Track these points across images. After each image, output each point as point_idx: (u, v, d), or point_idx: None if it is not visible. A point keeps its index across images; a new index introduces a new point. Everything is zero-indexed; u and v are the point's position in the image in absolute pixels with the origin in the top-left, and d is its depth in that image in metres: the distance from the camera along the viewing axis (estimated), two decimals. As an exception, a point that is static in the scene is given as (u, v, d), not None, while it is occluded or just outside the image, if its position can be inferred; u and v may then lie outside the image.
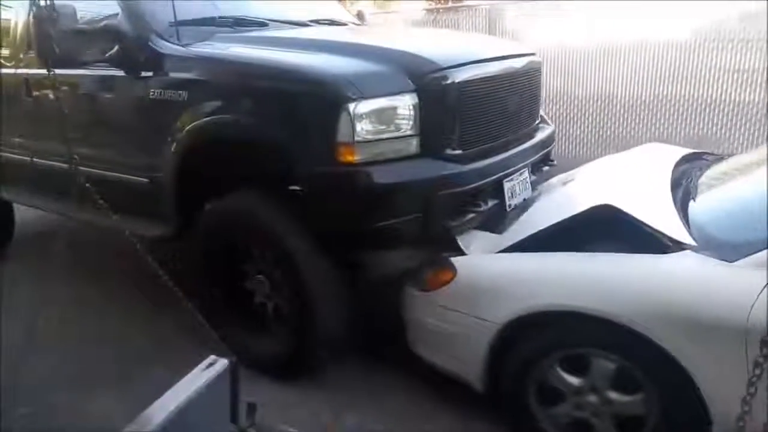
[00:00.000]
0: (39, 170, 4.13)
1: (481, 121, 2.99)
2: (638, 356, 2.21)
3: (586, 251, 2.45)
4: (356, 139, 2.60)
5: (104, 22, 3.31)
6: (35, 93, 4.02)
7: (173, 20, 3.14)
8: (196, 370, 2.01)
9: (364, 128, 2.61)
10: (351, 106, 2.57)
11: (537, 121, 3.73)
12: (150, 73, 3.22)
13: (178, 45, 3.18)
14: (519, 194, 3.24)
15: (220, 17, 3.47)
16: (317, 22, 3.97)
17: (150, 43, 3.22)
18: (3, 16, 4.31)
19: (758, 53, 5.84)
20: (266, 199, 3.00)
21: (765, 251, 2.04)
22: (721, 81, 6.12)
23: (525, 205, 3.24)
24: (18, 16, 4.21)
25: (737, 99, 6.05)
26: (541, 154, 3.60)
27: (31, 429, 2.83)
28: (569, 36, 6.98)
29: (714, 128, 6.23)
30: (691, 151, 3.65)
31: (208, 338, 2.25)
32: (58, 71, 3.11)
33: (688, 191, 2.78)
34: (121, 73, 3.34)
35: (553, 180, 3.68)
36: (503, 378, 2.56)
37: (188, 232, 3.30)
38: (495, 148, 3.10)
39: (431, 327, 2.78)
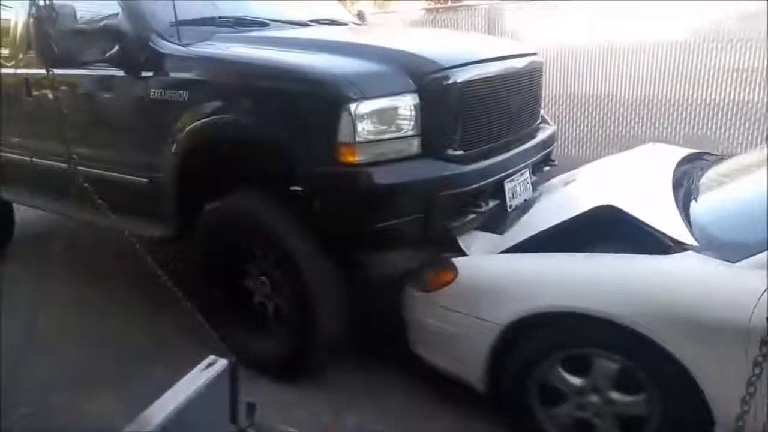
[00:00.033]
0: (39, 170, 4.12)
1: (483, 121, 2.98)
2: (640, 357, 2.21)
3: (588, 252, 2.45)
4: (357, 139, 2.59)
5: (104, 22, 3.30)
6: (35, 93, 4.01)
7: (174, 20, 3.14)
8: (195, 370, 2.02)
9: (365, 128, 2.60)
10: (352, 107, 2.56)
11: (538, 122, 3.73)
12: (150, 73, 3.22)
13: (178, 45, 3.17)
14: (520, 195, 3.24)
15: (220, 17, 3.46)
16: (318, 22, 3.97)
17: (150, 43, 3.21)
18: (3, 16, 4.30)
19: (757, 53, 5.84)
20: (267, 200, 3.00)
21: (767, 252, 2.04)
22: (720, 81, 6.12)
23: (526, 206, 3.24)
24: (18, 16, 4.20)
25: (736, 98, 6.05)
26: (542, 154, 3.60)
27: (31, 429, 2.82)
28: (569, 36, 6.97)
29: (713, 128, 6.24)
30: (692, 151, 3.65)
31: (207, 338, 2.24)
32: (58, 71, 3.13)
33: (690, 192, 2.78)
34: (121, 73, 3.34)
35: (554, 180, 3.68)
36: (505, 379, 2.55)
37: (188, 232, 3.29)
38: (496, 149, 3.10)
39: (432, 328, 2.78)
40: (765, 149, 3.30)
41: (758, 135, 5.96)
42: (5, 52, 4.28)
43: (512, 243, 2.75)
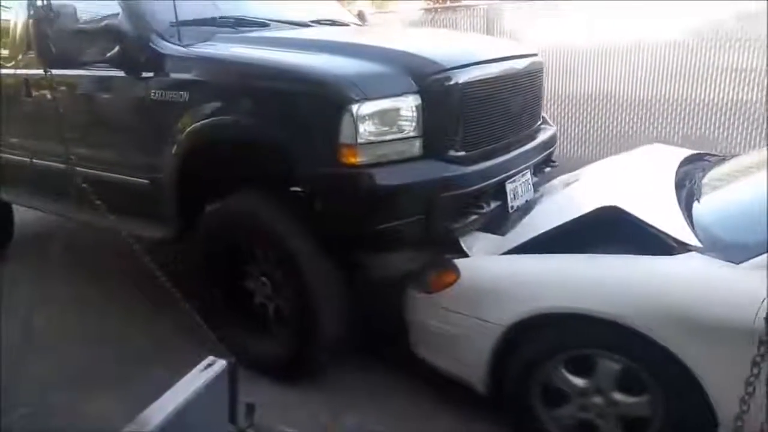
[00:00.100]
0: (39, 171, 4.11)
1: (484, 122, 2.98)
2: (644, 358, 2.21)
3: (592, 253, 2.45)
4: (359, 140, 2.59)
5: (105, 22, 3.29)
6: (35, 94, 4.00)
7: (174, 20, 3.12)
8: (194, 371, 2.02)
9: (366, 129, 2.60)
10: (354, 108, 2.55)
11: (539, 122, 3.73)
12: (151, 74, 3.21)
13: (179, 45, 3.16)
14: (521, 196, 3.24)
15: (221, 17, 3.46)
16: (318, 22, 3.96)
17: (151, 44, 3.20)
18: (3, 17, 4.28)
19: (755, 52, 5.84)
20: (268, 201, 3.00)
21: (771, 253, 2.04)
22: (718, 81, 6.11)
23: (527, 207, 3.24)
24: (18, 17, 4.19)
25: (735, 99, 6.05)
26: (543, 155, 3.60)
27: (31, 429, 2.82)
28: (568, 36, 6.97)
29: (712, 128, 6.23)
30: (694, 151, 3.65)
31: (206, 339, 2.25)
32: (58, 72, 3.13)
33: (692, 192, 2.78)
34: (121, 73, 3.33)
35: (555, 181, 3.68)
36: (507, 380, 2.55)
37: (188, 233, 3.29)
38: (498, 150, 3.09)
39: (434, 329, 2.77)
40: (766, 150, 3.30)
41: (757, 135, 5.96)
42: (5, 52, 4.27)
43: (514, 244, 2.74)
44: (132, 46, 3.24)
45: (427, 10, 9.54)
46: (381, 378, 3.16)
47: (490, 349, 2.53)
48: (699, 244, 2.28)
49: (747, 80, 5.95)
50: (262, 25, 3.57)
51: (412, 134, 2.71)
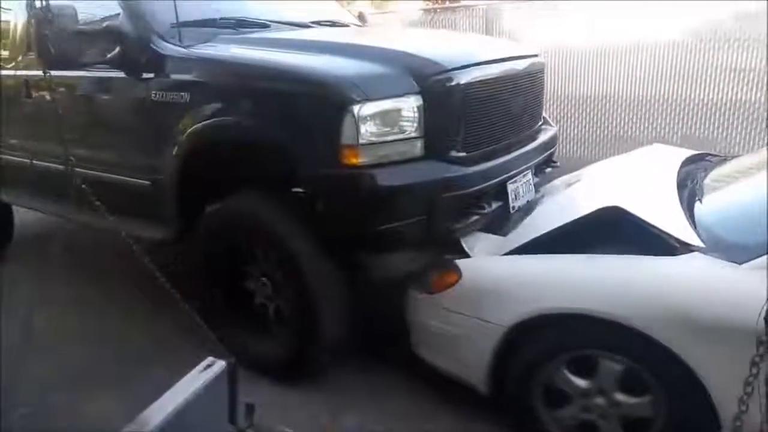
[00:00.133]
0: (39, 172, 4.10)
1: (486, 122, 2.98)
2: (646, 358, 2.21)
3: (594, 253, 2.45)
4: (360, 141, 2.58)
5: (105, 23, 3.29)
6: (35, 95, 3.99)
7: (175, 21, 3.12)
8: (194, 372, 2.02)
9: (368, 130, 2.59)
10: (355, 108, 2.55)
11: (540, 123, 3.73)
12: (151, 75, 3.20)
13: (179, 46, 3.16)
14: (522, 196, 3.24)
15: (221, 18, 3.45)
16: (319, 23, 3.95)
17: (151, 45, 3.20)
18: (3, 18, 4.28)
19: (754, 53, 5.85)
20: (269, 202, 2.99)
21: (773, 253, 2.04)
22: (718, 81, 6.12)
23: (529, 207, 3.24)
24: (18, 18, 4.18)
25: (734, 99, 6.06)
26: (544, 155, 3.60)
27: (31, 429, 2.82)
28: (567, 36, 6.97)
29: (711, 128, 6.24)
30: (695, 152, 3.65)
31: (206, 339, 2.24)
32: (59, 73, 3.12)
33: (694, 193, 2.78)
34: (122, 74, 3.32)
35: (556, 182, 3.68)
36: (508, 381, 2.55)
37: (189, 234, 3.28)
38: (499, 150, 3.09)
39: (435, 330, 2.77)
40: (766, 150, 3.30)
41: (756, 135, 5.97)
42: (5, 53, 4.27)
43: (516, 245, 2.74)
44: (132, 47, 3.23)
45: (426, 11, 9.55)
46: (381, 378, 3.15)
47: (492, 349, 2.53)
48: (701, 245, 2.28)
49: (746, 80, 5.96)
50: (263, 26, 3.57)
51: (413, 135, 2.71)
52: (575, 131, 7.05)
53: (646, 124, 6.61)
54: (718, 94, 6.14)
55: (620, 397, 2.31)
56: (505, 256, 2.71)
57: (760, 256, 2.07)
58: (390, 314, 3.01)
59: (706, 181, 2.92)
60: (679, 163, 3.23)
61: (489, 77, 2.99)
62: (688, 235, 2.35)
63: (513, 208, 3.15)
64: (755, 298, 1.95)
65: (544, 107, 3.88)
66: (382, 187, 2.63)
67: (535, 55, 3.60)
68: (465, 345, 2.67)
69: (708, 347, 2.06)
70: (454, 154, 2.83)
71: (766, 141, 5.75)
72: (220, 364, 2.06)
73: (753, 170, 3.05)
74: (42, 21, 2.72)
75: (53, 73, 2.43)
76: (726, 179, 3.06)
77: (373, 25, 5.94)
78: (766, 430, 1.73)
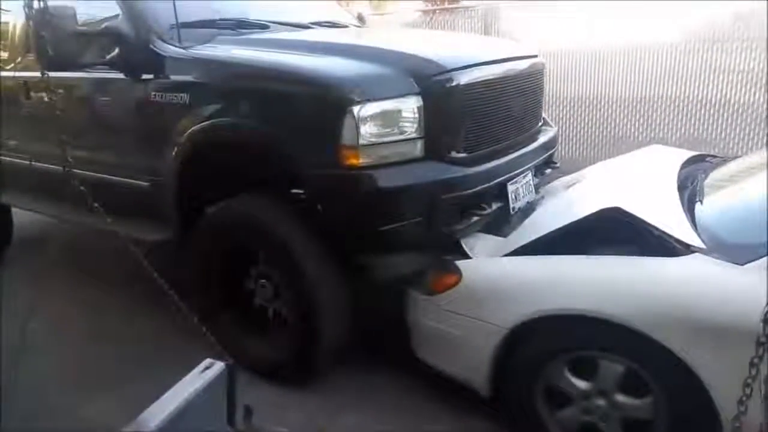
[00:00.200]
0: (38, 174, 4.09)
1: (486, 123, 2.98)
2: (648, 360, 2.20)
3: (595, 254, 2.44)
4: (360, 142, 2.58)
5: (104, 24, 3.28)
6: (34, 96, 3.98)
7: (174, 22, 3.11)
8: (193, 373, 2.02)
9: (368, 131, 2.59)
10: (355, 109, 2.55)
11: (540, 123, 3.73)
12: (151, 76, 3.20)
13: (179, 47, 3.15)
14: (523, 197, 3.24)
15: (221, 19, 3.45)
16: (319, 24, 3.95)
17: (151, 46, 3.19)
18: (3, 19, 4.27)
19: (753, 54, 5.86)
20: (268, 203, 2.99)
21: (775, 254, 2.04)
22: (717, 81, 6.13)
23: (529, 208, 3.24)
24: (17, 19, 4.17)
25: (732, 100, 6.07)
26: (544, 156, 3.60)
27: (31, 429, 2.81)
28: (565, 37, 6.98)
29: (710, 129, 6.25)
30: (695, 153, 3.64)
31: (205, 341, 2.23)
32: (58, 74, 3.11)
33: (695, 193, 2.77)
34: (121, 75, 3.31)
35: (556, 183, 3.68)
36: (510, 382, 2.55)
37: (188, 235, 3.28)
38: (499, 151, 3.09)
39: (435, 331, 2.77)
40: (766, 151, 3.30)
41: (755, 136, 5.98)
42: (4, 55, 4.26)
43: (516, 246, 2.73)
44: (132, 48, 3.22)
45: (425, 12, 9.56)
46: (381, 378, 3.15)
47: (492, 350, 2.52)
48: (702, 246, 2.27)
49: (744, 81, 5.97)
50: (263, 27, 3.56)
51: (413, 136, 2.70)
52: (575, 132, 7.05)
53: (645, 125, 6.61)
54: (717, 95, 6.15)
55: (621, 398, 2.31)
56: (506, 257, 2.70)
57: (762, 256, 2.06)
58: (390, 315, 3.00)
59: (707, 182, 2.92)
60: (680, 164, 3.23)
61: (489, 78, 2.99)
62: (688, 235, 2.34)
63: (513, 209, 3.15)
64: (757, 299, 1.94)
65: (544, 108, 3.88)
66: (382, 188, 2.62)
67: (535, 56, 3.60)
68: (465, 346, 2.66)
69: (709, 348, 2.05)
70: (454, 154, 2.82)
71: (765, 141, 5.76)
72: (219, 366, 2.06)
73: (753, 171, 3.05)
74: (41, 22, 2.71)
75: (53, 74, 2.42)
76: (726, 180, 3.06)
77: (373, 26, 5.94)
78: (766, 431, 1.72)
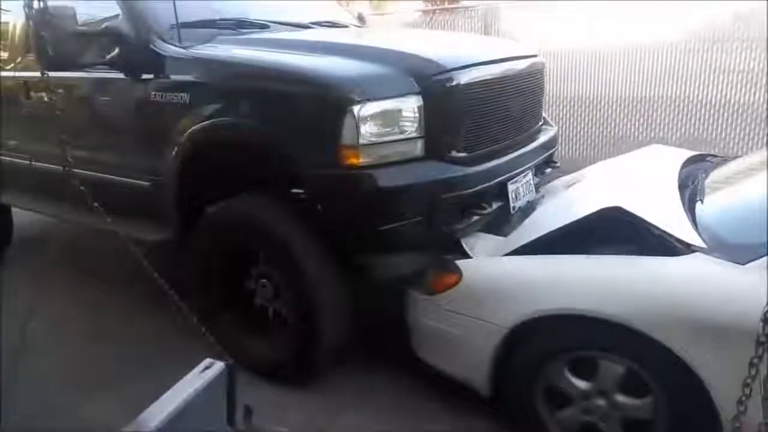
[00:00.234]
0: (38, 174, 4.09)
1: (486, 123, 2.98)
2: (648, 360, 2.20)
3: (596, 254, 2.44)
4: (361, 141, 2.58)
5: (104, 24, 3.28)
6: (34, 96, 3.98)
7: (174, 22, 3.11)
8: (193, 373, 2.02)
9: (368, 131, 2.59)
10: (355, 109, 2.55)
11: (540, 123, 3.72)
12: (151, 76, 3.19)
13: (179, 47, 3.15)
14: (523, 197, 3.24)
15: (221, 19, 3.45)
16: (319, 24, 3.95)
17: (151, 45, 3.19)
18: (3, 19, 4.27)
19: (752, 54, 5.86)
20: (268, 203, 2.99)
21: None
22: (717, 81, 6.13)
23: (529, 208, 3.24)
24: (17, 19, 4.17)
25: (732, 100, 6.07)
26: (544, 156, 3.60)
27: (30, 429, 2.81)
28: (565, 37, 6.98)
29: (710, 129, 6.25)
30: (695, 152, 3.64)
31: (205, 341, 2.24)
32: (58, 74, 3.11)
33: (696, 193, 2.77)
34: (121, 75, 3.31)
35: (556, 182, 3.68)
36: (510, 382, 2.54)
37: (189, 235, 3.27)
38: (499, 151, 3.09)
39: (436, 331, 2.76)
40: (766, 150, 3.30)
41: (755, 136, 5.99)
42: (4, 55, 4.26)
43: (516, 245, 2.72)
44: (132, 48, 3.21)
45: (425, 12, 9.56)
46: (381, 378, 3.15)
47: (492, 350, 2.52)
48: (703, 245, 2.27)
49: (744, 81, 5.97)
50: (263, 26, 3.56)
51: (413, 135, 2.70)
52: (575, 132, 7.05)
53: (646, 125, 6.61)
54: (717, 95, 6.15)
55: (621, 398, 2.30)
56: (506, 257, 2.69)
57: (762, 256, 2.06)
58: (390, 315, 3.00)
59: (707, 181, 2.92)
60: (680, 164, 3.22)
61: (489, 77, 2.99)
62: (689, 235, 2.34)
63: (513, 208, 3.15)
64: (758, 299, 1.94)
65: (544, 108, 3.88)
66: (382, 188, 2.62)
67: (535, 56, 3.60)
68: (465, 346, 2.66)
69: (710, 348, 2.05)
70: (454, 154, 2.82)
71: (766, 141, 5.76)
72: (218, 366, 2.06)
73: (754, 171, 3.05)
74: (41, 22, 2.71)
75: (52, 74, 2.41)
76: (727, 180, 3.05)
77: (373, 26, 5.94)
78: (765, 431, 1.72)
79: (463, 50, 3.32)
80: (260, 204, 3.02)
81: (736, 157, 3.69)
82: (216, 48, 3.17)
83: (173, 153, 3.10)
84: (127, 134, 3.48)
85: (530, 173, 3.38)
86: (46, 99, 3.56)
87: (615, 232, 2.49)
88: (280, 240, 2.87)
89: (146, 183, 3.37)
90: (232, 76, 3.01)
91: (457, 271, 2.70)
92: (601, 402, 2.35)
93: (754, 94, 5.90)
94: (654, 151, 3.90)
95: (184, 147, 3.05)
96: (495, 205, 3.03)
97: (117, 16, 3.30)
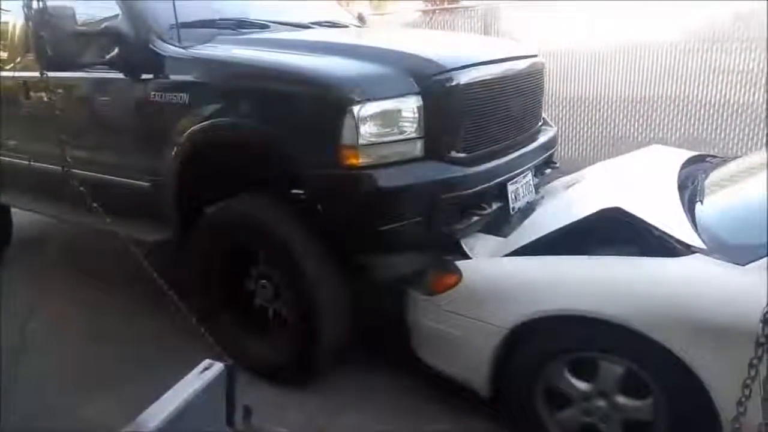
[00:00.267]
0: (37, 174, 4.09)
1: (486, 123, 2.97)
2: (648, 361, 2.20)
3: (595, 255, 2.43)
4: (360, 141, 2.58)
5: (104, 24, 3.28)
6: (33, 96, 3.98)
7: (174, 22, 3.11)
8: (193, 373, 2.03)
9: (368, 131, 2.59)
10: (355, 109, 2.55)
11: (540, 123, 3.72)
12: (150, 76, 3.19)
13: (179, 47, 3.15)
14: (523, 197, 3.24)
15: (221, 19, 3.44)
16: (319, 24, 3.95)
17: (151, 45, 3.19)
18: (2, 19, 4.27)
19: (752, 54, 5.86)
20: (269, 203, 2.99)
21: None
22: (717, 82, 6.13)
23: (529, 209, 3.23)
24: (17, 19, 4.16)
25: (732, 100, 6.07)
26: (544, 156, 3.59)
27: (30, 429, 2.81)
28: (565, 37, 6.97)
29: (710, 129, 6.25)
30: (695, 153, 3.64)
31: (205, 342, 2.24)
32: (57, 74, 3.10)
33: (695, 194, 2.77)
34: (121, 75, 3.30)
35: (556, 183, 3.67)
36: (510, 383, 2.54)
37: (188, 235, 3.27)
38: (499, 151, 3.09)
39: (436, 331, 2.76)
40: (766, 151, 3.30)
41: (755, 136, 5.98)
42: (4, 55, 4.26)
43: (516, 246, 2.72)
44: (132, 48, 3.21)
45: (425, 12, 9.55)
46: (381, 378, 3.15)
47: (492, 351, 2.52)
48: (703, 246, 2.27)
49: (743, 81, 5.97)
50: (263, 26, 3.56)
51: (413, 135, 2.70)
52: (575, 132, 7.05)
53: (645, 125, 6.61)
54: (717, 95, 6.15)
55: (621, 399, 2.30)
56: (506, 258, 2.69)
57: (762, 257, 2.06)
58: (390, 315, 3.00)
59: (707, 182, 2.91)
60: (680, 164, 3.22)
61: (489, 77, 2.99)
62: (689, 236, 2.34)
63: (513, 209, 3.15)
64: (758, 300, 1.94)
65: (544, 108, 3.88)
66: (382, 188, 2.62)
67: (535, 56, 3.60)
68: (465, 346, 2.66)
69: (710, 349, 2.05)
70: (454, 154, 2.82)
71: (765, 141, 5.76)
72: (218, 366, 2.07)
73: (753, 171, 3.04)
74: (40, 22, 2.70)
75: (52, 74, 2.41)
76: (727, 180, 3.05)
77: (373, 26, 5.94)
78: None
79: (463, 50, 3.32)
80: (260, 204, 3.02)
81: (735, 158, 3.68)
82: (216, 48, 3.17)
83: (173, 153, 3.10)
84: (126, 134, 3.47)
85: (530, 174, 3.37)
86: (45, 99, 3.56)
87: (615, 232, 2.48)
88: (280, 240, 2.87)
89: (146, 183, 3.37)
90: (232, 76, 3.01)
91: (457, 271, 2.69)
92: (601, 403, 2.35)
93: (754, 94, 5.90)
94: (654, 152, 3.90)
95: (184, 147, 3.04)
96: (495, 206, 3.03)
97: (116, 16, 3.30)
